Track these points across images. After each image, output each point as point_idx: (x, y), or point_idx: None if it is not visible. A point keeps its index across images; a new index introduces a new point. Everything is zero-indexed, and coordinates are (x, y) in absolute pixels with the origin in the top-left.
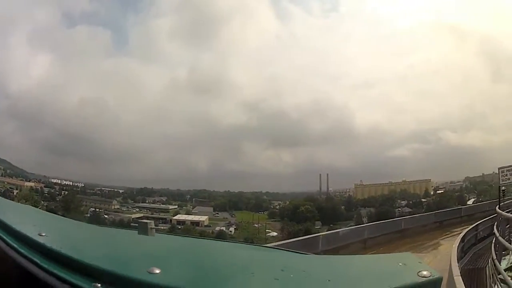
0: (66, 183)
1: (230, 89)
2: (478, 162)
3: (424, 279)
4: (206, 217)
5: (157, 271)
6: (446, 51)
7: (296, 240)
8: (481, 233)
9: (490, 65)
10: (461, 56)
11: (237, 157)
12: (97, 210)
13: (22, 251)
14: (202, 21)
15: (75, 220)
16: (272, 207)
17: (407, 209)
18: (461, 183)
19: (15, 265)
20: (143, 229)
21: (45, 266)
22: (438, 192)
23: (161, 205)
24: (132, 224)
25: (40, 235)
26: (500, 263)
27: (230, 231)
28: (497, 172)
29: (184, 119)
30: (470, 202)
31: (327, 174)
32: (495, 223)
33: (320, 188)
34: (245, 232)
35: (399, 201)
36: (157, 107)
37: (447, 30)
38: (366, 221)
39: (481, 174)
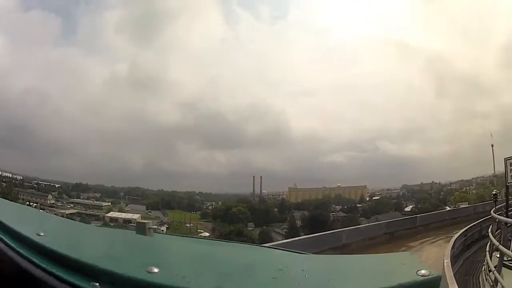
0: (6, 175)
1: (168, 88)
2: (416, 172)
3: (423, 278)
4: (139, 215)
5: (156, 270)
6: (391, 65)
7: None
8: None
9: (435, 82)
10: (406, 71)
11: (172, 156)
12: (33, 204)
13: (20, 250)
14: (150, 17)
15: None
16: (204, 207)
17: (342, 214)
18: (398, 190)
19: (14, 264)
20: (141, 229)
21: (44, 265)
22: (374, 198)
23: (95, 202)
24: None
25: (38, 234)
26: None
27: (162, 230)
28: (437, 182)
29: (121, 115)
30: (408, 209)
31: (261, 177)
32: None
33: (254, 190)
34: (176, 232)
35: (333, 205)
36: (96, 100)
37: (394, 45)
38: (300, 224)
39: (420, 183)
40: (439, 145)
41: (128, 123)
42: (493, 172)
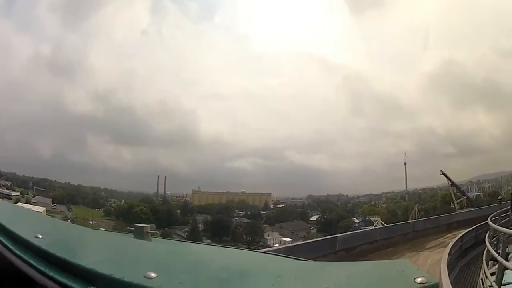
0: None
1: (86, 75)
2: (323, 183)
3: (421, 285)
4: (44, 208)
5: (154, 275)
6: (309, 80)
7: None
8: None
9: (353, 100)
10: (324, 87)
11: (81, 148)
12: None
13: (18, 252)
14: None
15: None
16: (108, 204)
17: (245, 220)
18: (303, 200)
19: (11, 266)
20: (139, 234)
21: (42, 268)
22: (278, 206)
23: (5, 190)
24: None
25: (36, 237)
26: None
27: None
28: (344, 194)
29: (39, 99)
30: (313, 218)
31: (165, 177)
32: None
33: (158, 190)
34: None
35: (237, 211)
36: (17, 82)
37: (315, 60)
38: (202, 228)
39: (326, 194)
40: (349, 159)
41: (44, 108)
42: (404, 188)
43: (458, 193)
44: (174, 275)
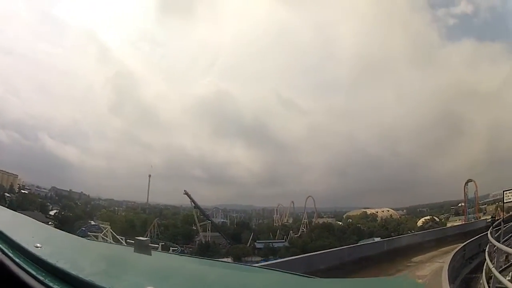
0: None
1: None
2: (68, 177)
3: None
4: None
5: None
6: (84, 62)
7: None
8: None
9: (115, 97)
10: (95, 76)
11: None
12: None
13: (18, 260)
14: None
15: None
16: None
17: None
18: (47, 191)
19: (11, 274)
20: (139, 247)
21: (41, 278)
22: (22, 191)
23: None
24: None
25: (36, 246)
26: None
27: None
28: (86, 194)
29: None
30: (52, 212)
31: None
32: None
33: None
34: None
35: None
36: None
37: (97, 46)
38: None
39: (69, 190)
40: (97, 158)
41: None
42: (146, 200)
43: (202, 216)
44: None
